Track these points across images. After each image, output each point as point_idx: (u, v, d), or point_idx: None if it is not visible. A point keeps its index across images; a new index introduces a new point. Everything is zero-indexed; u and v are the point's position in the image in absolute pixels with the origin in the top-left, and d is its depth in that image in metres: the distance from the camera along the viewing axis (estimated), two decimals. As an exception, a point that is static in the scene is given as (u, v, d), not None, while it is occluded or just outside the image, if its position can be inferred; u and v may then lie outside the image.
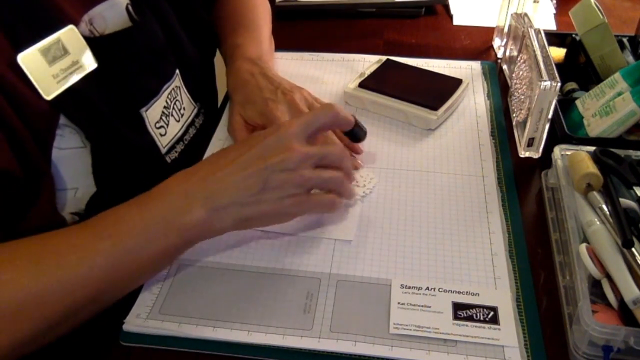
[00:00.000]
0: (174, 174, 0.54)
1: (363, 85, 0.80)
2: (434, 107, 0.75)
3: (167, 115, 0.67)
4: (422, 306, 0.54)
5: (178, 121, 0.70)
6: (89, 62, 0.54)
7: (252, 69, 0.74)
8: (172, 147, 0.68)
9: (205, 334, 0.52)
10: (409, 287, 0.56)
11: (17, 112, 0.48)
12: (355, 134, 0.65)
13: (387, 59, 0.85)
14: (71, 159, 0.55)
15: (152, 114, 0.64)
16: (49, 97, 0.50)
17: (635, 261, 0.51)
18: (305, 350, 0.51)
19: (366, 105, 0.79)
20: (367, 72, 0.82)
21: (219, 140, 0.75)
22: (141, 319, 0.53)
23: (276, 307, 0.54)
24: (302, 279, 0.57)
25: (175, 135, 0.69)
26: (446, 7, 1.07)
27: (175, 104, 0.69)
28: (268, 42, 0.84)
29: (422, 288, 0.56)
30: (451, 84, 0.79)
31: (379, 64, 0.84)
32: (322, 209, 0.59)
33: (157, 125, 0.65)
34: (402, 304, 0.54)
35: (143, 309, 0.54)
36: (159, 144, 0.66)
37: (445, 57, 0.91)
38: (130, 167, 0.62)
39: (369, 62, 0.87)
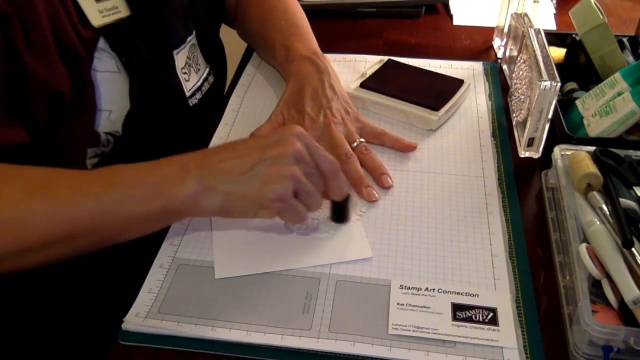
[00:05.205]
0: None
1: (364, 85, 0.80)
2: (435, 108, 0.75)
3: (189, 65, 0.75)
4: (421, 307, 0.54)
5: (196, 73, 0.77)
6: (125, 9, 0.63)
7: (312, 70, 0.76)
8: (193, 94, 0.75)
9: (204, 333, 0.52)
10: (409, 288, 0.55)
11: (74, 31, 0.57)
12: (340, 208, 0.61)
13: (389, 59, 0.85)
14: (106, 82, 0.62)
15: (180, 58, 0.72)
16: (96, 25, 0.60)
17: (635, 261, 0.51)
18: (303, 350, 0.51)
19: (367, 105, 0.79)
20: (369, 73, 0.82)
21: (225, 124, 0.78)
22: (140, 318, 0.53)
23: (275, 307, 0.54)
24: (301, 279, 0.57)
25: (195, 85, 0.76)
26: (446, 7, 1.07)
27: (194, 57, 0.76)
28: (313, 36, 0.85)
29: (421, 289, 0.55)
30: (453, 85, 0.79)
31: (380, 64, 0.84)
32: (295, 217, 0.56)
33: (183, 71, 0.73)
34: (401, 304, 0.54)
35: (142, 308, 0.54)
36: (184, 86, 0.73)
37: (445, 57, 0.91)
38: (160, 101, 0.68)
39: (370, 63, 0.87)
